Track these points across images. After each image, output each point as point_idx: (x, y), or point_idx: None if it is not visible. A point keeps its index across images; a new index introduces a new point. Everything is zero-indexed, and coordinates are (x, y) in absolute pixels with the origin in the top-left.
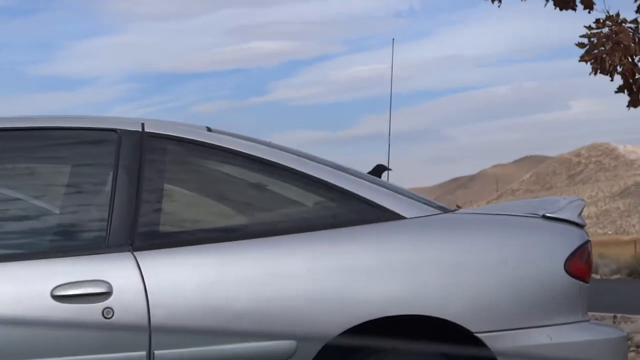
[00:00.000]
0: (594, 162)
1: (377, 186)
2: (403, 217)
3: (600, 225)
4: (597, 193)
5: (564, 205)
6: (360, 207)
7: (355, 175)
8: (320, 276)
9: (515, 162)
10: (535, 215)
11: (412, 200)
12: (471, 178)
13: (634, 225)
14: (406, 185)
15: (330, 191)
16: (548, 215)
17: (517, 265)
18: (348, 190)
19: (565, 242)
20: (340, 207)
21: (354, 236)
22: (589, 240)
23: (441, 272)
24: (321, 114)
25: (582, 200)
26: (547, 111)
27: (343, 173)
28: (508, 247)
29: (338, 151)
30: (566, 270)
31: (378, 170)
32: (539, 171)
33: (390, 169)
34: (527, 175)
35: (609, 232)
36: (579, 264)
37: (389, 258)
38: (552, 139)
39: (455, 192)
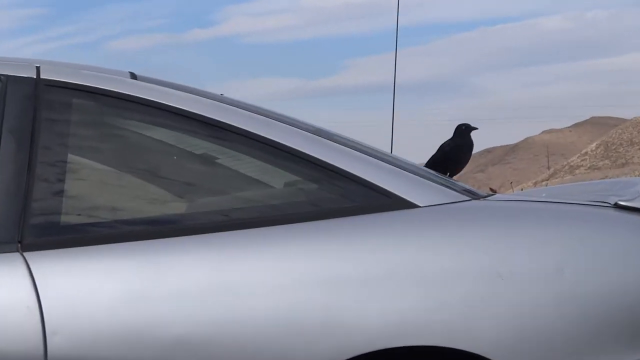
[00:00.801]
0: None
1: (376, 160)
2: (414, 205)
3: None
4: None
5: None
6: (352, 189)
7: (344, 144)
8: (294, 291)
9: (575, 126)
10: (604, 204)
11: (428, 182)
12: (512, 149)
13: None
14: (416, 159)
15: (309, 167)
16: (623, 203)
17: (578, 277)
18: (334, 166)
19: None
20: (322, 191)
21: (342, 232)
22: None
23: (468, 285)
24: (292, 55)
25: None
26: (620, 53)
27: (326, 141)
28: (565, 251)
29: (316, 108)
30: None
31: (461, 132)
32: (608, 140)
33: (476, 127)
34: (592, 146)
35: None
36: None
37: (392, 265)
38: (627, 94)
39: (488, 168)
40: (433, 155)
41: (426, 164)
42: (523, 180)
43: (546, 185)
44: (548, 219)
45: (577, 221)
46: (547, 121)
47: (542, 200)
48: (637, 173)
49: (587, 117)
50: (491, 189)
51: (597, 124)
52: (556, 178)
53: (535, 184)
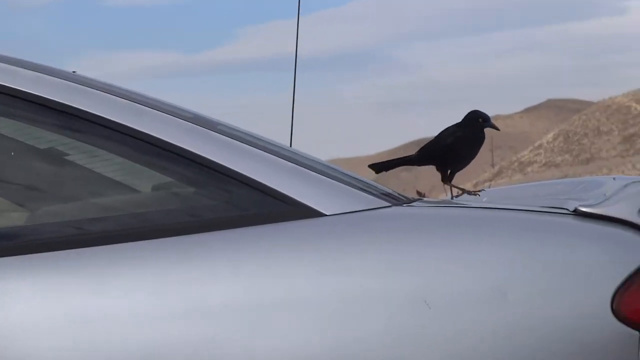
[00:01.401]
0: None
1: (272, 156)
2: (319, 214)
3: None
4: None
5: (615, 191)
6: (240, 194)
7: (230, 136)
8: (153, 323)
9: (527, 111)
10: (561, 211)
11: (337, 184)
12: None
13: None
14: (330, 152)
15: (184, 165)
16: (585, 210)
17: (525, 303)
18: (217, 164)
19: (616, 261)
20: (202, 196)
21: (227, 249)
22: None
23: (384, 315)
24: (169, 22)
25: None
26: (585, 17)
27: (208, 131)
28: (509, 271)
29: (196, 89)
30: (615, 312)
31: (474, 123)
32: (569, 128)
33: (497, 128)
34: (549, 137)
35: None
36: (639, 300)
37: (288, 290)
38: (594, 70)
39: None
40: (429, 144)
41: (418, 154)
42: (461, 180)
43: (489, 187)
44: (489, 230)
45: (526, 233)
46: (491, 104)
47: (483, 206)
48: (604, 171)
49: (543, 100)
50: (419, 193)
51: (556, 108)
52: (502, 178)
53: (475, 185)
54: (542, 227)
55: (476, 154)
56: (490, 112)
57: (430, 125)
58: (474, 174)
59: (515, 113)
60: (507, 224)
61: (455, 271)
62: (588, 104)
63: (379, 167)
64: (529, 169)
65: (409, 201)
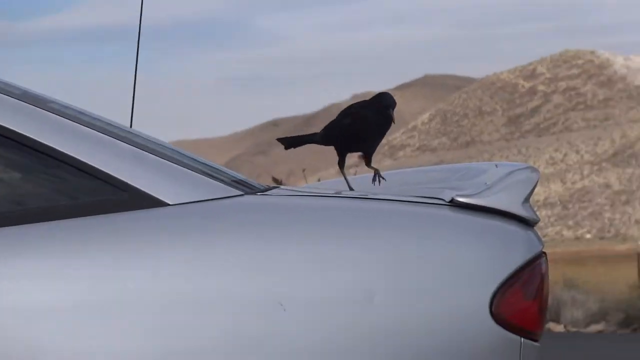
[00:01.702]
0: (562, 91)
1: (109, 138)
2: (161, 203)
3: (571, 222)
4: (566, 155)
5: (497, 179)
6: (73, 181)
7: (63, 115)
8: None
9: (401, 88)
10: (436, 201)
11: (183, 170)
12: (308, 121)
13: (639, 222)
14: (176, 134)
15: (9, 147)
16: (462, 200)
17: (394, 305)
18: (47, 147)
19: (496, 259)
20: (28, 182)
21: (54, 242)
22: (544, 254)
23: (231, 319)
24: None
25: (534, 169)
26: None
27: (37, 109)
28: (376, 269)
29: (22, 63)
30: (494, 315)
31: (381, 104)
32: (447, 108)
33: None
34: (424, 117)
35: (588, 236)
36: (521, 301)
37: (116, 286)
38: (477, 42)
39: (274, 149)
40: (331, 123)
41: (321, 133)
42: (323, 166)
43: (355, 174)
44: (354, 223)
45: (396, 226)
46: (360, 80)
47: (347, 196)
48: (486, 156)
49: (419, 75)
50: (275, 180)
51: (432, 85)
52: (373, 164)
53: (338, 172)
54: (415, 220)
55: (380, 138)
56: (360, 88)
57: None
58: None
59: (387, 90)
60: (375, 217)
61: (316, 270)
62: (469, 80)
63: (288, 142)
64: (400, 154)
65: (264, 189)
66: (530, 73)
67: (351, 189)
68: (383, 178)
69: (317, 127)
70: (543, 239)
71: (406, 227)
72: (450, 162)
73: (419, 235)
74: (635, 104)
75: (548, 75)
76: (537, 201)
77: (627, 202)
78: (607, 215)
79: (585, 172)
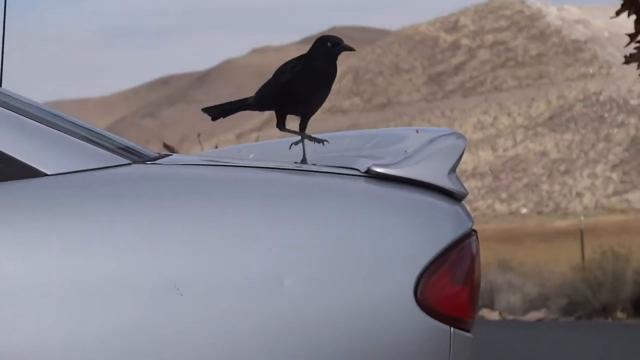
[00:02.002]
0: (489, 46)
1: None
2: (38, 173)
3: (504, 194)
4: (496, 118)
5: (419, 147)
6: None
7: None
8: None
9: (305, 41)
10: (349, 172)
11: (63, 136)
12: (201, 78)
13: (581, 194)
14: (52, 93)
15: None
16: (379, 170)
17: (303, 291)
18: None
19: (418, 237)
20: None
21: None
22: (474, 231)
23: (120, 304)
24: None
25: (460, 135)
26: None
27: None
28: (285, 251)
29: None
30: (419, 301)
31: (324, 52)
32: (360, 64)
33: (352, 48)
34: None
35: (524, 210)
36: (450, 286)
37: None
38: None
39: (163, 111)
40: (266, 84)
41: (255, 97)
42: (220, 130)
43: (257, 140)
44: (257, 198)
45: (305, 201)
46: (260, 34)
47: (248, 165)
48: (405, 120)
49: (325, 28)
50: (166, 146)
51: (343, 39)
52: (275, 127)
53: (239, 136)
54: (326, 194)
55: (326, 93)
56: (258, 42)
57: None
58: (236, 122)
59: (291, 44)
60: (282, 190)
61: (215, 251)
62: (383, 33)
63: (216, 111)
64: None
65: (154, 158)
66: (452, 25)
67: (304, 160)
68: (319, 141)
69: (211, 85)
70: (472, 215)
71: (316, 202)
72: (364, 127)
73: (331, 211)
74: (572, 60)
75: (473, 28)
76: (465, 171)
77: (566, 172)
78: (545, 187)
79: (519, 138)
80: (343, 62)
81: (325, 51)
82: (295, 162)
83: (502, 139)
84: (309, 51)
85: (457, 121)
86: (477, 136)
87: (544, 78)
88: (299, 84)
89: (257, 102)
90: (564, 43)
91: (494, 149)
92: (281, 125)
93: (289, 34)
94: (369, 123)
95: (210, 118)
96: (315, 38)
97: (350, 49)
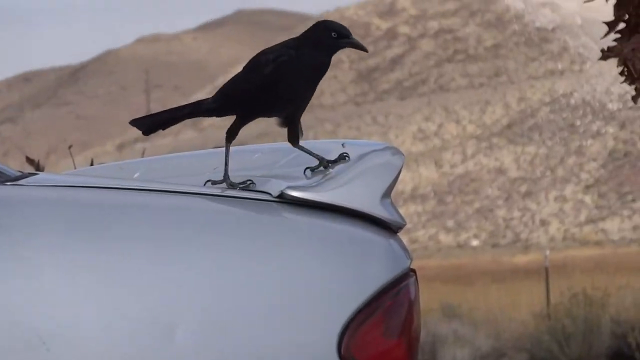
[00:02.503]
0: (434, 35)
1: None
2: None
3: (451, 222)
4: (442, 126)
5: (346, 165)
6: None
7: None
8: None
9: (206, 28)
10: (258, 195)
11: None
12: (75, 73)
13: (546, 222)
14: None
15: None
16: (295, 194)
17: (198, 342)
18: None
19: (343, 279)
20: None
21: None
22: (413, 271)
23: None
24: None
25: (397, 151)
26: None
27: None
28: (173, 293)
29: None
30: (343, 359)
31: (323, 42)
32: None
33: (364, 49)
34: (239, 69)
35: (475, 243)
36: (382, 339)
37: None
38: None
39: (26, 114)
40: (233, 81)
41: (217, 98)
42: (97, 140)
43: (143, 153)
44: (143, 228)
45: (204, 233)
46: (148, 20)
47: (137, 187)
48: (328, 128)
49: (229, 11)
50: (30, 160)
51: (250, 25)
52: (165, 137)
53: (120, 148)
54: (226, 225)
55: (311, 92)
56: (145, 29)
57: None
58: (115, 131)
59: (186, 31)
60: (173, 220)
61: (88, 294)
62: (303, 18)
63: (149, 123)
64: (206, 123)
65: (15, 178)
66: (387, 9)
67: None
68: (339, 158)
69: (87, 82)
70: (411, 249)
71: (214, 235)
72: (277, 136)
73: (232, 247)
74: (536, 53)
75: (413, 12)
76: (402, 193)
77: (528, 195)
78: (502, 214)
79: (470, 151)
80: (250, 54)
81: (327, 42)
82: (209, 181)
83: (449, 152)
84: (302, 37)
85: (392, 130)
86: (418, 149)
87: (501, 75)
88: (284, 79)
89: (218, 105)
90: (526, 31)
91: (438, 164)
92: (233, 134)
93: (182, 19)
94: (282, 131)
95: (141, 132)
96: (218, 24)
97: (361, 48)
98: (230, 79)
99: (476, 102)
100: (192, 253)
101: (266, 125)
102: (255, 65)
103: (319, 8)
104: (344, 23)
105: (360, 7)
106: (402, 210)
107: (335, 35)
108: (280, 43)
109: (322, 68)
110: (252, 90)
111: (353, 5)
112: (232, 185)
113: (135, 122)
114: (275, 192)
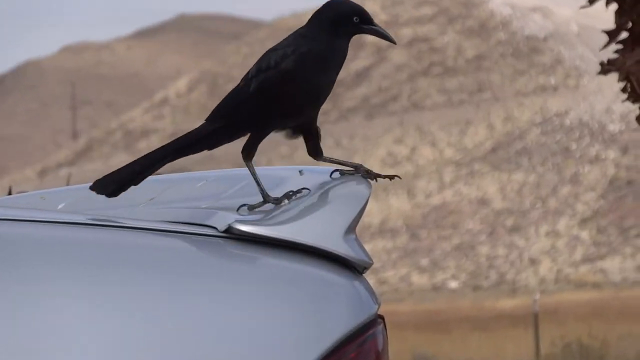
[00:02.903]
0: (407, 44)
1: None
2: None
3: (426, 261)
4: (415, 150)
5: (302, 194)
6: None
7: None
8: None
9: (142, 36)
10: (202, 230)
11: None
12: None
13: (536, 261)
14: None
15: None
16: (244, 229)
17: None
18: None
19: (301, 327)
20: None
21: None
22: (381, 318)
23: None
24: None
25: (362, 179)
26: None
27: None
28: (100, 344)
29: None
30: None
31: (334, 19)
32: (219, 69)
33: (392, 40)
34: (181, 84)
35: (453, 284)
36: None
37: None
38: None
39: None
40: (238, 90)
41: (217, 118)
42: (16, 164)
43: (68, 180)
44: (64, 269)
45: (133, 274)
46: (72, 25)
47: (55, 220)
48: (283, 151)
49: (170, 16)
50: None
51: (193, 33)
52: (94, 159)
53: (42, 174)
54: (164, 264)
55: (332, 87)
56: (71, 37)
57: None
58: (36, 154)
59: (119, 39)
60: (101, 256)
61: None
62: (254, 25)
63: (114, 183)
64: (142, 144)
65: None
66: None
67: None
68: (389, 177)
69: (4, 98)
70: (379, 292)
71: (152, 275)
72: (222, 160)
73: (173, 288)
74: (525, 65)
75: (383, 17)
76: (369, 227)
77: (516, 229)
78: (484, 251)
79: (447, 179)
80: (194, 66)
81: (347, 28)
82: (244, 206)
83: (424, 179)
84: (315, 22)
85: (358, 153)
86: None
87: (484, 91)
88: (307, 72)
89: (222, 125)
90: (514, 41)
91: (411, 194)
92: (252, 153)
93: (114, 25)
94: (228, 154)
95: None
96: (157, 31)
97: (388, 38)
98: (231, 91)
99: (455, 122)
100: (122, 296)
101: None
102: (267, 62)
103: (273, 13)
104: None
105: None
106: (369, 247)
107: (358, 20)
108: (292, 34)
109: (343, 56)
110: (267, 91)
111: (312, 9)
112: (278, 201)
113: (96, 185)
114: (222, 227)
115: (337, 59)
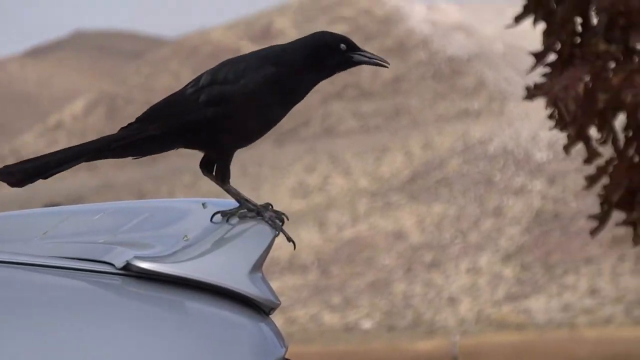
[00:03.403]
0: None
1: None
2: None
3: (338, 298)
4: (327, 178)
5: (205, 229)
6: None
7: None
8: None
9: (35, 54)
10: (98, 267)
11: None
12: None
13: (456, 300)
14: None
15: None
16: (141, 265)
17: None
18: None
19: None
20: None
21: None
22: None
23: None
24: None
25: (274, 216)
26: None
27: None
28: None
29: None
30: None
31: (318, 46)
32: (120, 91)
33: (385, 64)
34: (77, 105)
35: (367, 325)
36: None
37: None
38: None
39: None
40: (184, 94)
41: (151, 118)
42: None
43: None
44: None
45: (30, 313)
46: None
47: None
48: (186, 180)
49: (65, 32)
50: None
51: (91, 50)
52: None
53: None
54: (57, 302)
55: (282, 118)
56: None
57: None
58: None
59: (11, 57)
60: None
61: None
62: (156, 42)
63: (23, 172)
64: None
65: None
66: (262, 30)
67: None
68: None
69: None
70: (287, 333)
71: (42, 315)
72: (121, 190)
73: (64, 330)
74: (446, 88)
75: (294, 35)
76: (277, 263)
77: (434, 265)
78: (400, 288)
79: (361, 210)
80: (91, 85)
81: (335, 58)
82: (218, 213)
83: (336, 211)
84: (297, 45)
85: (266, 183)
86: (297, 206)
87: (402, 116)
88: (267, 97)
89: (162, 132)
90: (435, 61)
91: (323, 227)
92: (226, 173)
93: (5, 42)
94: (128, 184)
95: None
96: (51, 48)
97: (380, 64)
98: (172, 96)
99: (371, 150)
100: (7, 340)
101: (107, 177)
102: (225, 74)
103: (176, 30)
104: (209, 47)
105: (228, 28)
106: (276, 283)
107: (345, 48)
108: (264, 49)
109: (307, 90)
110: (218, 106)
111: (220, 26)
112: (256, 209)
113: (2, 173)
114: (119, 263)
115: (300, 91)
